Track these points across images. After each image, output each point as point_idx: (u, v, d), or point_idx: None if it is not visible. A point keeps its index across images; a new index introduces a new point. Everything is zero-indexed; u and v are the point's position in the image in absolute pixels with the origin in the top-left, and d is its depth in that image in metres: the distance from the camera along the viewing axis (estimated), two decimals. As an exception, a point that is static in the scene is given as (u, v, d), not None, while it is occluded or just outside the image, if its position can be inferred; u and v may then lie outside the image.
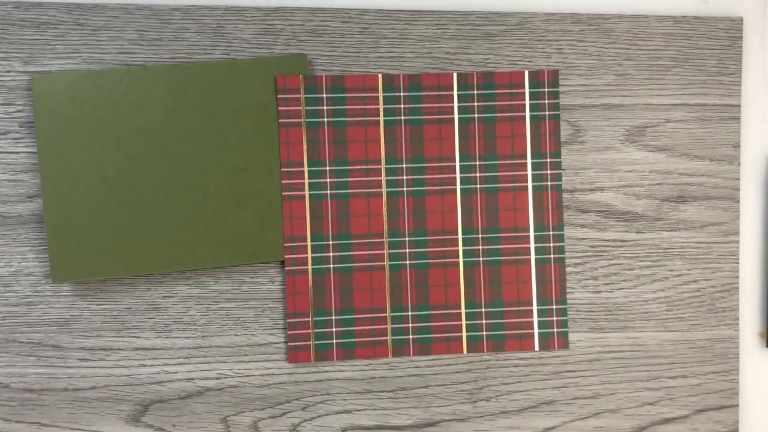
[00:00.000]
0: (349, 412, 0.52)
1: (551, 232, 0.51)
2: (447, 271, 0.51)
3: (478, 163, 0.50)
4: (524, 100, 0.51)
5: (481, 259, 0.51)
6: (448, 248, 0.51)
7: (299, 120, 0.50)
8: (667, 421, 0.53)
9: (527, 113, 0.51)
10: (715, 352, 0.53)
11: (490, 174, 0.51)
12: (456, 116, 0.50)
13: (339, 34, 0.51)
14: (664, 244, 0.53)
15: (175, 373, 0.51)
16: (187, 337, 0.51)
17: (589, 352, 0.53)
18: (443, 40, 0.52)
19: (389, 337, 0.51)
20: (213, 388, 0.51)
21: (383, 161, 0.50)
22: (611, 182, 0.53)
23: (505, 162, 0.51)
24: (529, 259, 0.51)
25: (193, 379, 0.51)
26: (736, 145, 0.53)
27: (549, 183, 0.51)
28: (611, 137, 0.53)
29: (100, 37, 0.51)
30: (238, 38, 0.52)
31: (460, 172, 0.51)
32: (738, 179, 0.53)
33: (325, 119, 0.50)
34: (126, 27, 0.51)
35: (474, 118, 0.50)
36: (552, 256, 0.51)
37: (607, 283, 0.53)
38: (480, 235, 0.51)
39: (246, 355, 0.52)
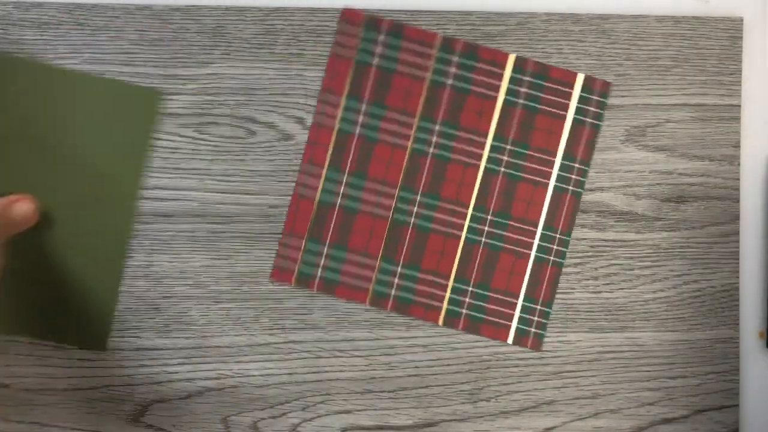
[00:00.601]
0: (349, 412, 0.52)
1: (558, 235, 0.51)
2: (447, 241, 0.51)
3: (509, 147, 0.50)
4: (570, 100, 0.51)
5: (483, 239, 0.51)
6: (455, 219, 0.51)
7: (353, 53, 0.50)
8: (667, 421, 0.53)
9: (570, 114, 0.51)
10: (715, 353, 0.53)
11: (517, 161, 0.51)
12: (501, 96, 0.50)
13: (339, 35, 0.51)
14: (664, 244, 0.53)
15: (176, 373, 0.51)
16: (187, 337, 0.51)
17: (589, 352, 0.53)
18: (443, 40, 0.52)
19: (372, 286, 0.51)
20: (213, 388, 0.51)
21: (418, 117, 0.50)
22: (611, 182, 0.53)
23: (535, 154, 0.51)
24: (529, 254, 0.51)
25: (193, 379, 0.51)
26: (737, 145, 0.53)
27: (571, 188, 0.51)
28: (611, 137, 0.53)
29: (101, 37, 0.51)
30: (238, 38, 0.52)
31: (489, 151, 0.51)
32: (738, 179, 0.53)
33: (375, 60, 0.50)
34: (126, 27, 0.51)
35: (518, 102, 0.51)
36: (552, 258, 0.51)
37: (607, 283, 0.53)
38: (489, 216, 0.51)
39: (246, 355, 0.52)
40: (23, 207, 0.48)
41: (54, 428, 0.51)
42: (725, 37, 0.53)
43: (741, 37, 0.53)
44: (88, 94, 0.49)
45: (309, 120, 0.51)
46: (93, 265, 0.49)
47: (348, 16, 0.50)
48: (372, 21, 0.50)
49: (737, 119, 0.53)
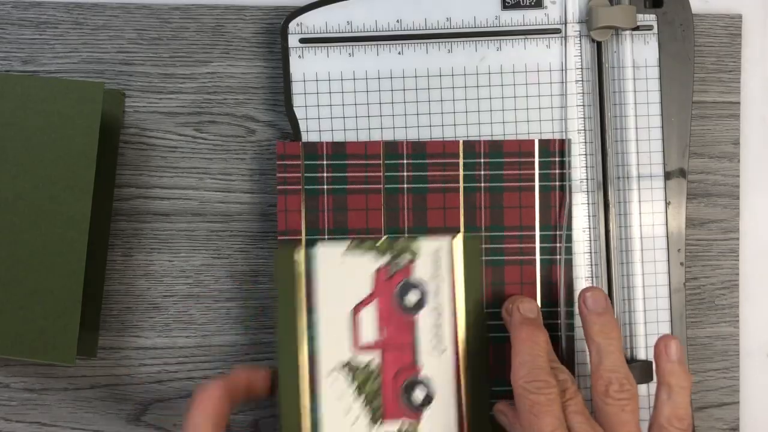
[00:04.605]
0: (349, 410, 0.52)
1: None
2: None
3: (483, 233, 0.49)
4: (533, 169, 0.49)
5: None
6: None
7: (298, 182, 0.49)
8: (667, 418, 0.53)
9: (536, 183, 0.49)
10: (715, 350, 0.53)
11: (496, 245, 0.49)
12: (461, 184, 0.49)
13: (338, 33, 0.51)
14: (664, 241, 0.53)
15: (176, 372, 0.51)
16: (187, 337, 0.51)
17: (589, 350, 0.52)
18: (443, 38, 0.51)
19: None
20: (214, 387, 0.51)
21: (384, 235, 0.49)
22: (611, 180, 0.53)
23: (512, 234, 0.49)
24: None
25: (193, 378, 0.51)
26: (736, 143, 0.54)
27: (558, 256, 0.50)
28: (611, 135, 0.53)
29: (100, 37, 0.51)
30: (237, 37, 0.52)
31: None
32: (738, 176, 0.53)
33: (324, 186, 0.49)
34: (125, 26, 0.51)
35: (480, 186, 0.49)
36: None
37: (608, 281, 0.53)
38: (486, 312, 0.49)
39: (247, 354, 0.51)
40: (261, 382, 0.47)
41: (54, 428, 0.51)
42: (724, 34, 0.53)
43: (740, 35, 0.54)
44: (25, 96, 0.48)
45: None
46: (50, 273, 0.47)
47: (284, 149, 0.49)
48: (311, 146, 0.49)
49: (736, 116, 0.54)
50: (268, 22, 0.52)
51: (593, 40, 0.50)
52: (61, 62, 0.51)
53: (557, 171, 0.50)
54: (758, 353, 0.54)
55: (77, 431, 0.51)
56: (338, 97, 0.50)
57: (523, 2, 0.50)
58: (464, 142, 0.49)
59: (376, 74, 0.50)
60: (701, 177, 0.53)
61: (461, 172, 0.49)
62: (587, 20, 0.50)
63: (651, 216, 0.51)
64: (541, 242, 0.49)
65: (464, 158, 0.49)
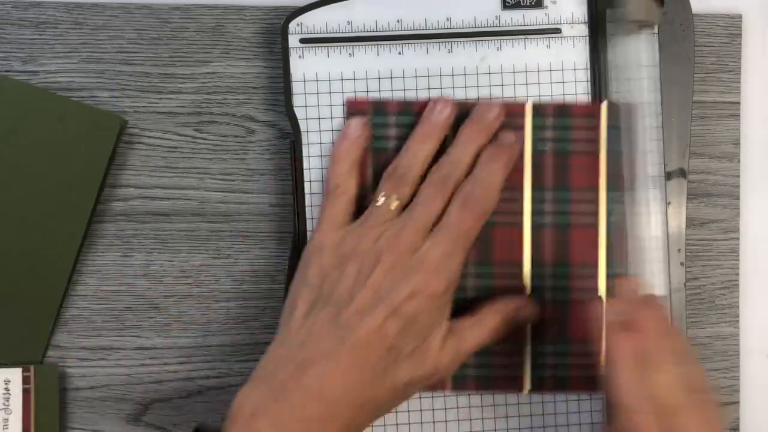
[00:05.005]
0: (349, 410, 0.52)
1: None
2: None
3: (549, 196, 0.49)
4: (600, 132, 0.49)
5: (551, 296, 0.49)
6: (511, 282, 0.49)
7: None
8: (667, 418, 0.53)
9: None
10: (715, 350, 0.53)
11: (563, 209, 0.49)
12: (528, 146, 0.49)
13: (338, 33, 0.51)
14: (665, 241, 0.53)
15: (176, 372, 0.51)
16: (187, 337, 0.51)
17: (589, 350, 0.53)
18: (443, 38, 0.51)
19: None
20: (214, 387, 0.51)
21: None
22: (611, 180, 0.53)
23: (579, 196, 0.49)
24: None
25: (193, 378, 0.51)
26: (736, 143, 0.54)
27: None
28: (611, 135, 0.53)
29: (99, 37, 0.51)
30: (237, 37, 0.52)
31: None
32: (738, 176, 0.53)
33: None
34: (125, 26, 0.51)
35: (547, 148, 0.49)
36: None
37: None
38: (547, 272, 0.49)
39: (247, 354, 0.51)
40: (527, 313, 0.48)
41: (54, 428, 0.51)
42: (724, 34, 0.53)
43: (740, 34, 0.54)
44: (43, 111, 0.49)
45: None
46: (29, 288, 0.49)
47: (353, 106, 0.49)
48: (380, 104, 0.49)
49: (737, 116, 0.54)
50: (268, 22, 0.52)
51: (594, 41, 0.50)
52: (61, 62, 0.51)
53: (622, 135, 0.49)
54: (758, 353, 0.54)
55: (77, 431, 0.51)
56: (338, 97, 0.50)
57: (523, 2, 0.50)
58: (533, 103, 0.49)
59: (376, 74, 0.50)
60: (701, 177, 0.53)
61: (528, 133, 0.49)
62: (612, 15, 0.50)
63: (651, 216, 0.51)
64: (606, 204, 0.49)
65: (534, 121, 0.49)
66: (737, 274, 0.53)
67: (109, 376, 0.51)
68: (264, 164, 0.52)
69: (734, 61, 0.54)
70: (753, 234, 0.54)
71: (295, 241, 0.49)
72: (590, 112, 0.49)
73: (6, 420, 0.48)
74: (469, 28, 0.50)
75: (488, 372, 0.49)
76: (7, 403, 0.48)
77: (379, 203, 0.46)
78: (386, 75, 0.50)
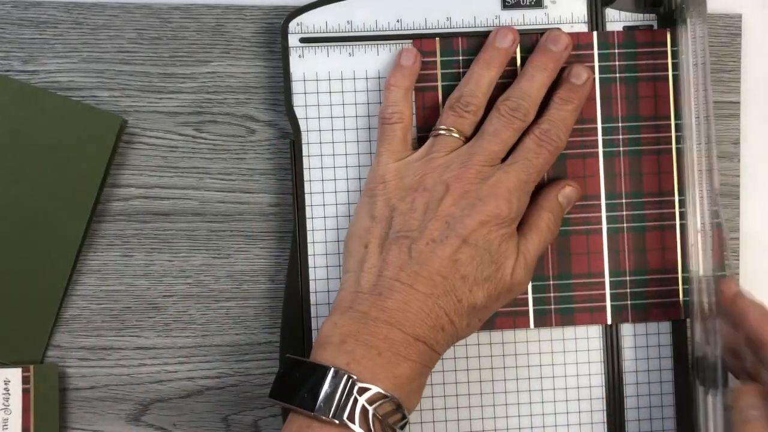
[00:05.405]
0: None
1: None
2: (590, 239, 0.49)
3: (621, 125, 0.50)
4: (667, 59, 0.50)
5: (625, 225, 0.50)
6: (590, 214, 0.49)
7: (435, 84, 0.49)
8: (668, 418, 0.53)
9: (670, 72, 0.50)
10: (715, 350, 0.53)
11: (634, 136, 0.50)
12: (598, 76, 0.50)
13: (338, 33, 0.51)
14: (665, 241, 0.53)
15: (176, 372, 0.51)
16: (187, 336, 0.51)
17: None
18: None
19: (531, 308, 0.49)
20: (213, 387, 0.51)
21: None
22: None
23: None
24: (675, 225, 0.50)
25: (193, 378, 0.51)
26: (736, 142, 0.54)
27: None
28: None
29: (99, 36, 0.51)
30: (237, 37, 0.52)
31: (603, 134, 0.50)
32: (738, 176, 0.53)
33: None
34: (125, 26, 0.51)
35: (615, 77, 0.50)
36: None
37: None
38: (623, 201, 0.50)
39: (246, 354, 0.51)
40: (568, 193, 0.48)
41: (54, 428, 0.51)
42: (724, 34, 0.53)
43: (740, 35, 0.54)
44: (44, 111, 0.49)
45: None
46: (29, 285, 0.49)
47: (420, 45, 0.49)
48: (447, 42, 0.49)
49: (737, 116, 0.54)
50: (268, 21, 0.52)
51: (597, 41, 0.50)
52: (61, 62, 0.51)
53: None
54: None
55: (77, 431, 0.51)
56: (338, 96, 0.50)
57: (523, 2, 0.50)
58: (598, 33, 0.50)
59: (376, 74, 0.50)
60: (701, 177, 0.53)
61: (596, 63, 0.50)
62: (687, 8, 0.49)
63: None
64: (676, 131, 0.50)
65: (598, 48, 0.50)
66: (737, 274, 0.53)
67: (109, 376, 0.51)
68: (264, 164, 0.52)
69: (734, 61, 0.54)
70: (753, 234, 0.54)
71: (295, 241, 0.50)
72: (655, 39, 0.50)
73: (6, 420, 0.48)
74: (469, 28, 0.50)
75: (570, 306, 0.49)
76: (6, 403, 0.48)
77: (442, 132, 0.47)
78: (386, 75, 0.50)
